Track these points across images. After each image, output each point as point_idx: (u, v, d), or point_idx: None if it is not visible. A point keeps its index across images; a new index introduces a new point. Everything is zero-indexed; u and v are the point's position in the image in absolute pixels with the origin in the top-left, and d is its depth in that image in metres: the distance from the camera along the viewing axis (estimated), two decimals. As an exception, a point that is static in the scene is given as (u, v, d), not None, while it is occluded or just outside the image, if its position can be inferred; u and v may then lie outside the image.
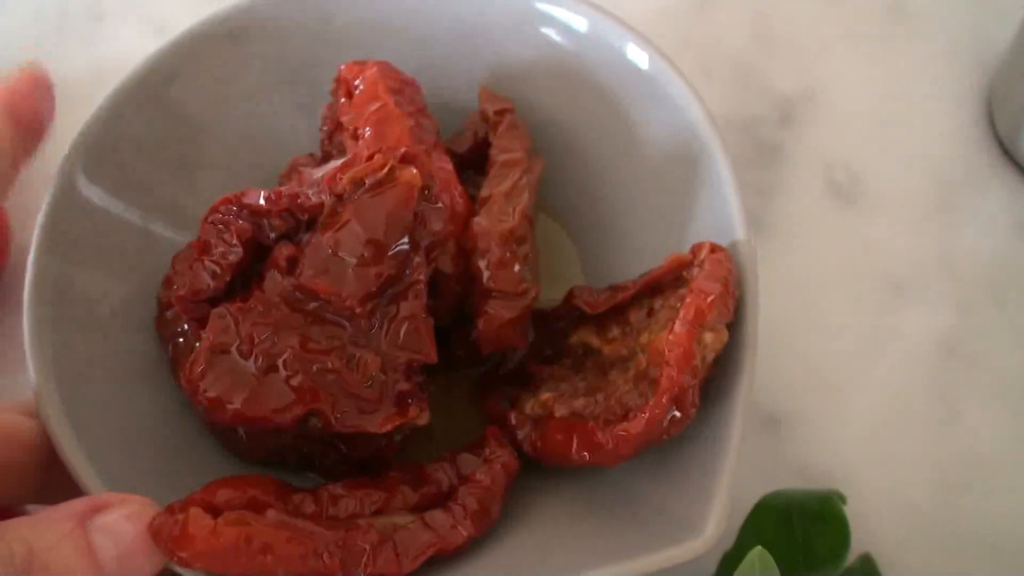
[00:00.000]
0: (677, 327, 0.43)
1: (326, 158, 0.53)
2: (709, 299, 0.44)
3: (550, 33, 0.54)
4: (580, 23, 0.53)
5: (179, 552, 0.40)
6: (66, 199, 0.49)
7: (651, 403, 0.42)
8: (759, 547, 0.42)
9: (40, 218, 0.48)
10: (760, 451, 0.55)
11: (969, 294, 0.59)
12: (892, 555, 0.51)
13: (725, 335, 0.44)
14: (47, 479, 0.45)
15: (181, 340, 0.50)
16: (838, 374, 0.57)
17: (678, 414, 0.43)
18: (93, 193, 0.50)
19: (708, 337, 0.44)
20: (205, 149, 0.55)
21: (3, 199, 0.49)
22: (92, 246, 0.50)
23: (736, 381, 0.44)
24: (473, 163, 0.53)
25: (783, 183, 0.63)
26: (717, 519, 0.41)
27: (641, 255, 0.52)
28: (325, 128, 0.53)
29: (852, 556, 0.49)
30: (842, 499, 0.48)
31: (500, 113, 0.54)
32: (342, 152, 0.52)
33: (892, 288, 0.59)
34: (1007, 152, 0.62)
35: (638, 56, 0.52)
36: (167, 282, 0.51)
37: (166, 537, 0.40)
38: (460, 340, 0.50)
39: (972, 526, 0.53)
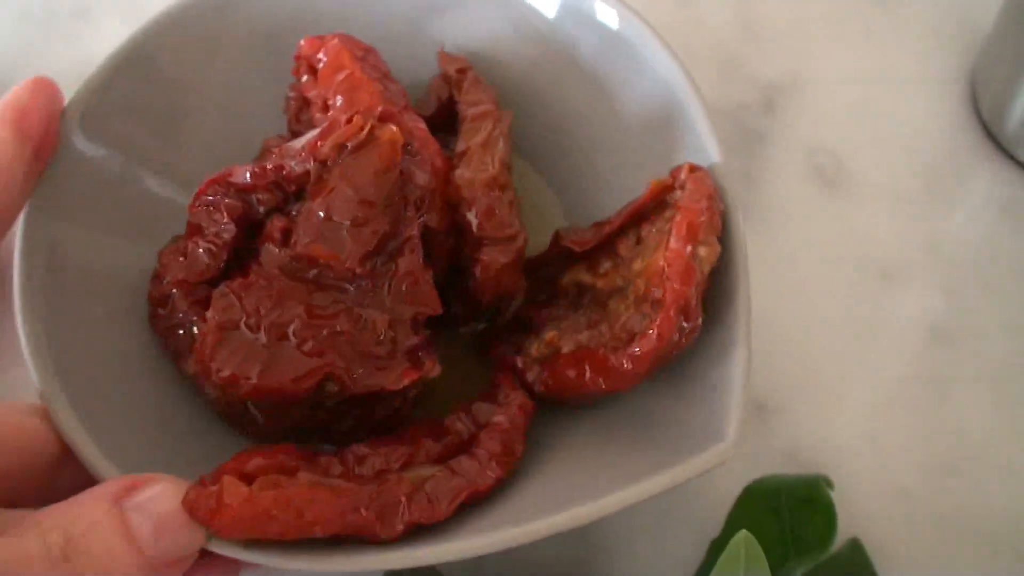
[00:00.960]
0: (672, 243, 0.44)
1: (295, 137, 0.53)
2: (699, 214, 0.45)
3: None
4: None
5: (217, 521, 0.40)
6: (62, 157, 0.50)
7: (659, 318, 0.43)
8: (744, 531, 0.42)
9: None
10: (747, 437, 0.53)
11: (956, 278, 0.59)
12: (881, 539, 0.51)
13: (718, 247, 0.45)
14: (54, 483, 0.44)
15: (180, 332, 0.50)
16: (825, 360, 0.57)
17: (686, 325, 0.44)
18: (88, 151, 0.51)
19: (702, 251, 0.45)
20: (193, 113, 0.56)
21: (10, 225, 0.48)
22: (86, 205, 0.51)
23: (734, 289, 0.46)
24: (441, 125, 0.54)
25: (767, 170, 0.62)
26: (737, 422, 0.43)
27: (619, 194, 0.52)
28: (291, 107, 0.54)
29: (840, 541, 0.49)
30: (830, 484, 0.49)
31: (461, 71, 0.54)
32: (312, 128, 0.52)
33: (878, 273, 0.59)
34: (991, 135, 0.62)
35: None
36: (156, 277, 0.51)
37: (202, 508, 0.41)
38: (456, 296, 0.50)
39: (961, 510, 0.53)
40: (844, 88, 0.65)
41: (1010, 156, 0.62)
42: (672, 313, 0.43)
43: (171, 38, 0.54)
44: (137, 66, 0.53)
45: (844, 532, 0.49)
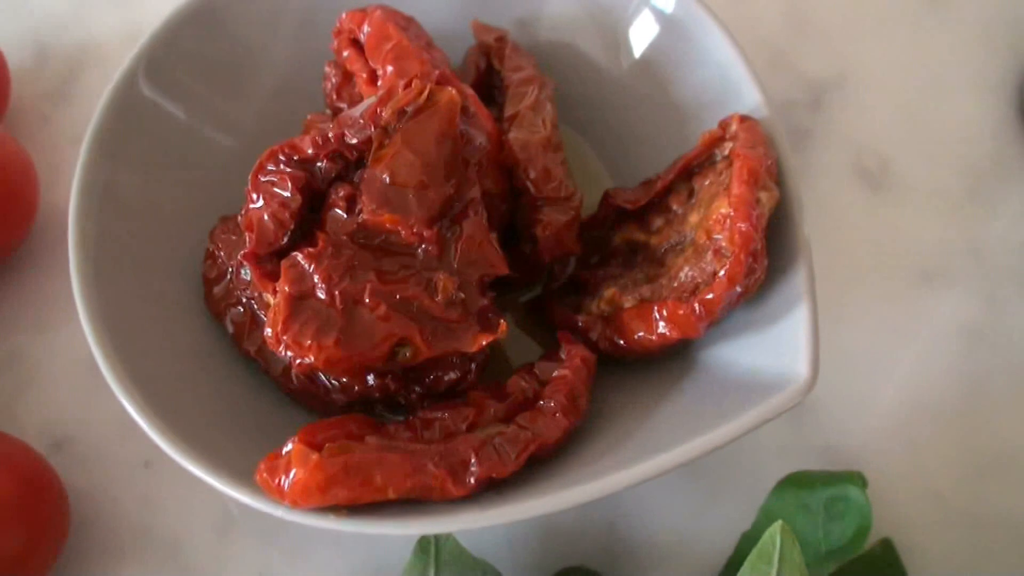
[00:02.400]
0: (736, 188, 0.45)
1: (336, 114, 0.53)
2: (757, 159, 0.45)
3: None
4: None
5: (289, 492, 0.41)
6: (125, 99, 0.51)
7: (730, 261, 0.44)
8: (780, 521, 0.42)
9: (95, 119, 0.50)
10: (783, 432, 0.55)
11: (996, 283, 0.58)
12: (913, 540, 0.52)
13: (777, 192, 0.46)
14: None
15: (240, 310, 0.50)
16: (863, 358, 0.57)
17: (755, 268, 0.44)
18: (150, 95, 0.52)
19: (763, 195, 0.45)
20: (255, 70, 0.57)
21: None
22: (145, 149, 0.52)
23: (793, 234, 0.46)
24: (480, 95, 0.54)
25: (812, 168, 0.62)
26: (810, 361, 0.43)
27: (662, 155, 0.53)
28: (331, 84, 0.54)
29: (873, 539, 0.50)
30: (864, 482, 0.49)
31: (500, 40, 0.55)
32: (356, 103, 0.52)
33: (919, 275, 0.59)
34: None
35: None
36: (209, 257, 0.51)
37: (275, 480, 0.41)
38: (512, 260, 0.50)
39: (994, 513, 0.53)
40: (892, 87, 0.64)
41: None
42: (743, 256, 0.44)
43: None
44: (203, 21, 0.54)
45: (876, 531, 0.50)
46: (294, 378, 0.48)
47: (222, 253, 0.51)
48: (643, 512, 0.52)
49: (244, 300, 0.50)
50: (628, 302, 0.48)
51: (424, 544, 0.47)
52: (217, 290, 0.51)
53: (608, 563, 0.50)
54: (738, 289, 0.44)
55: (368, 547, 0.52)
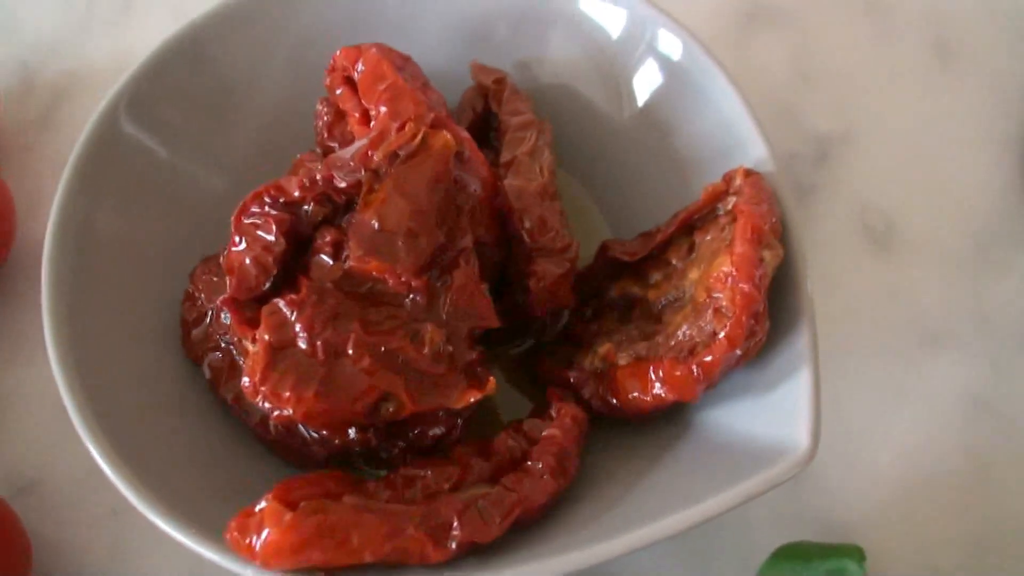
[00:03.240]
0: (739, 247, 0.43)
1: (327, 153, 0.52)
2: (761, 216, 0.44)
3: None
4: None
5: (261, 550, 0.39)
6: (105, 135, 0.50)
7: (731, 323, 0.42)
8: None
9: (74, 154, 0.49)
10: (778, 499, 0.52)
11: (1003, 349, 0.56)
12: None
13: (781, 251, 0.44)
14: None
15: (219, 355, 0.48)
16: (864, 423, 0.55)
17: (756, 330, 0.42)
18: (132, 131, 0.51)
19: (767, 254, 0.44)
20: (240, 107, 0.56)
21: None
22: (123, 188, 0.50)
23: (797, 295, 0.44)
24: (476, 137, 0.52)
25: (816, 224, 0.60)
26: (811, 431, 0.41)
27: (662, 205, 0.51)
28: (323, 122, 0.52)
29: None
30: (862, 556, 0.47)
31: (499, 82, 0.53)
32: (348, 143, 0.51)
33: (923, 338, 0.57)
34: None
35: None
36: (188, 299, 0.50)
37: (246, 539, 0.39)
38: (503, 311, 0.49)
39: None
40: (899, 144, 0.63)
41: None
42: (744, 318, 0.42)
43: (226, 32, 0.54)
44: (190, 55, 0.53)
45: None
46: (272, 428, 0.46)
47: (202, 295, 0.49)
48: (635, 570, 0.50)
49: (223, 345, 0.48)
50: (623, 359, 0.46)
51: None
52: (196, 333, 0.49)
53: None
54: (738, 352, 0.42)
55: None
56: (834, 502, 0.52)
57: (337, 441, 0.45)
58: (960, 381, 0.55)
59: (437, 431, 0.45)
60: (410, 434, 0.45)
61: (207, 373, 0.48)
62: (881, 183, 0.61)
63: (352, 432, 0.45)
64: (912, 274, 0.58)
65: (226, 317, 0.48)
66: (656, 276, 0.49)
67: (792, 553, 0.47)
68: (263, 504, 0.40)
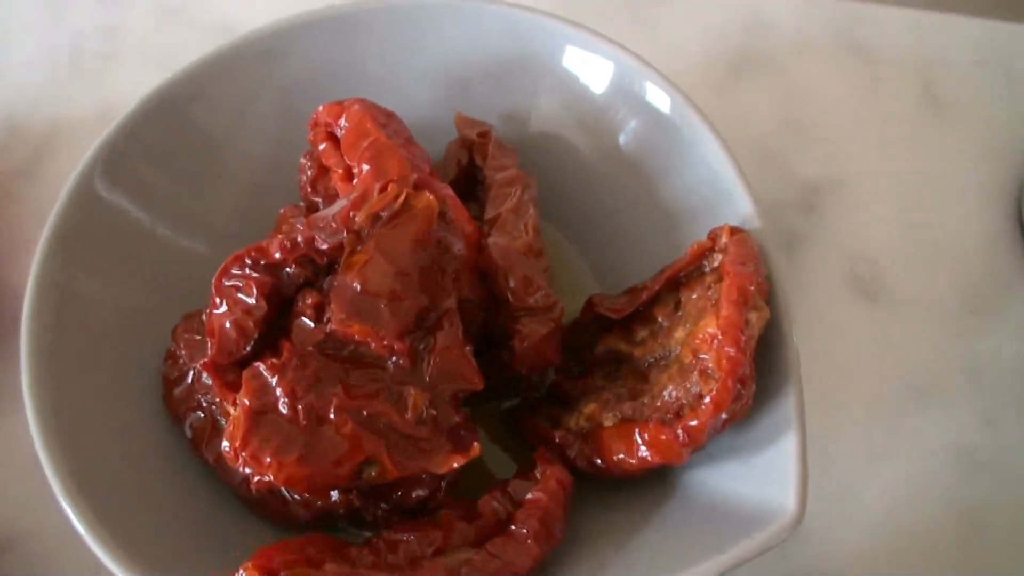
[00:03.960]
0: (725, 310, 0.43)
1: (311, 208, 0.51)
2: (747, 277, 0.43)
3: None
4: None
5: None
6: (82, 199, 0.49)
7: (717, 387, 0.41)
8: None
9: (51, 217, 0.48)
10: (768, 558, 0.48)
11: (994, 403, 0.56)
12: None
13: (767, 312, 0.44)
14: None
15: (200, 415, 0.48)
16: (852, 476, 0.54)
17: (743, 393, 0.42)
18: (108, 195, 0.50)
19: (753, 316, 0.43)
20: (219, 165, 0.55)
21: None
22: (102, 250, 0.50)
23: (783, 355, 0.44)
24: (461, 190, 0.52)
25: (804, 273, 0.60)
26: (798, 495, 0.41)
27: (648, 258, 0.51)
28: (306, 176, 0.52)
29: None
30: None
31: (483, 135, 0.53)
32: (331, 198, 0.50)
33: (912, 391, 0.56)
34: None
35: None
36: (170, 357, 0.49)
37: None
38: (488, 369, 0.48)
39: None
40: (888, 194, 0.62)
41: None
42: (730, 382, 0.41)
43: (205, 88, 0.53)
44: (167, 115, 0.52)
45: None
46: (253, 490, 0.46)
47: (184, 353, 0.49)
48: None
49: (205, 404, 0.48)
50: (608, 420, 0.46)
51: None
52: (177, 392, 0.48)
53: None
54: (724, 416, 0.42)
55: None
56: (823, 557, 0.52)
57: (319, 503, 0.45)
58: (949, 434, 0.55)
59: (421, 493, 0.45)
60: (393, 496, 0.45)
61: (188, 433, 0.48)
62: (869, 232, 0.61)
63: (334, 495, 0.44)
64: (901, 326, 0.58)
65: (207, 377, 0.47)
66: (642, 333, 0.49)
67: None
68: (242, 573, 0.39)
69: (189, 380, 0.48)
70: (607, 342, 0.50)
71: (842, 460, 0.54)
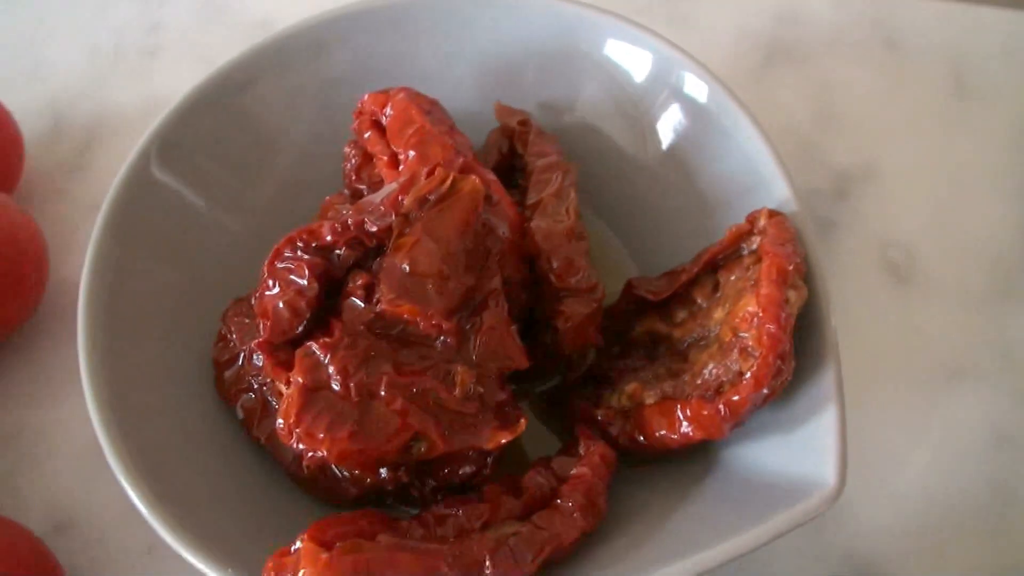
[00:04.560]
0: (764, 288, 0.44)
1: (355, 195, 0.53)
2: (786, 257, 0.44)
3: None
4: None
5: None
6: (137, 182, 0.51)
7: (758, 363, 0.42)
8: None
9: (108, 200, 0.50)
10: (804, 536, 0.52)
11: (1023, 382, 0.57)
12: None
13: (806, 291, 0.45)
14: None
15: (251, 396, 0.49)
16: (889, 458, 0.55)
17: (783, 369, 0.43)
18: (163, 178, 0.52)
19: (792, 295, 0.44)
20: (267, 153, 0.57)
21: None
22: (155, 232, 0.51)
23: (822, 333, 0.45)
24: (502, 178, 0.53)
25: (837, 259, 0.61)
26: (838, 468, 0.42)
27: (686, 242, 0.52)
28: (351, 164, 0.53)
29: None
30: None
31: (523, 123, 0.54)
32: (376, 185, 0.52)
33: (946, 373, 0.57)
34: None
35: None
36: (220, 340, 0.50)
37: (282, 573, 0.39)
38: (531, 350, 0.49)
39: None
40: (918, 181, 0.63)
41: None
42: (771, 358, 0.42)
43: (255, 77, 0.55)
44: (218, 102, 0.54)
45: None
46: (305, 468, 0.47)
47: (234, 336, 0.50)
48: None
49: (256, 386, 0.49)
50: (650, 398, 0.47)
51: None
52: (228, 374, 0.50)
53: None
54: (765, 391, 0.43)
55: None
56: (858, 535, 0.53)
57: (369, 480, 0.46)
58: (982, 415, 0.56)
59: (468, 469, 0.46)
60: (441, 473, 0.46)
61: (240, 414, 0.49)
62: (901, 218, 0.62)
63: (384, 471, 0.45)
64: (933, 309, 0.59)
65: (258, 359, 0.48)
66: (681, 314, 0.50)
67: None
68: (298, 544, 0.40)
69: (240, 363, 0.50)
70: (646, 324, 0.51)
71: (876, 440, 0.55)
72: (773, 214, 0.47)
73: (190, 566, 0.43)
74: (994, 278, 0.60)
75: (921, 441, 0.55)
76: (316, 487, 0.48)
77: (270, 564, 0.40)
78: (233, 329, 0.50)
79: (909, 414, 0.56)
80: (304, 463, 0.46)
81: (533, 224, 0.48)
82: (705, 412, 0.44)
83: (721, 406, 0.43)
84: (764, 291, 0.44)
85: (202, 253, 0.53)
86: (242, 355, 0.50)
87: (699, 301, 0.49)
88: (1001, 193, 0.62)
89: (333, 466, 0.46)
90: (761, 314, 0.43)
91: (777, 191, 0.49)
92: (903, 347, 0.58)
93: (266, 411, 0.49)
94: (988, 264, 0.60)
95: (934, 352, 0.57)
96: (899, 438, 0.55)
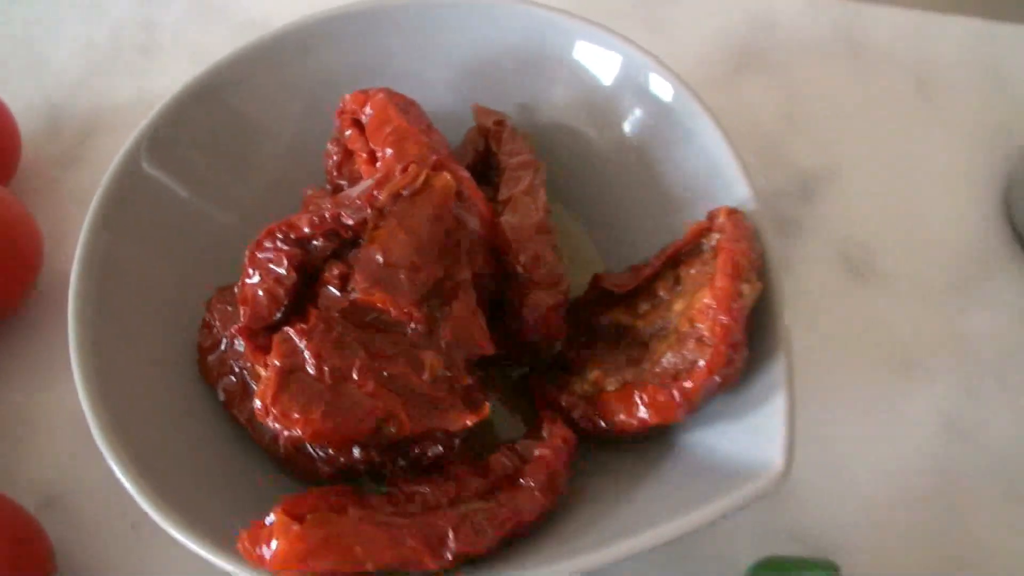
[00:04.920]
0: (719, 281, 0.46)
1: (336, 190, 0.55)
2: (741, 253, 0.47)
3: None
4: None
5: (270, 562, 0.42)
6: (128, 175, 0.53)
7: (711, 352, 0.45)
8: None
9: (99, 192, 0.52)
10: (761, 517, 0.55)
11: (977, 377, 0.59)
12: None
13: (760, 285, 0.47)
14: None
15: (233, 379, 0.51)
16: (843, 446, 0.57)
17: (735, 359, 0.45)
18: (153, 172, 0.54)
19: (746, 288, 0.47)
20: (253, 148, 0.59)
21: None
22: (145, 225, 0.54)
23: (775, 326, 0.47)
24: (476, 176, 0.55)
25: (799, 255, 0.63)
26: (785, 451, 0.44)
27: (652, 237, 0.54)
28: (332, 161, 0.55)
29: None
30: (836, 570, 0.49)
31: (499, 123, 0.56)
32: (355, 180, 0.54)
33: (899, 365, 0.59)
34: (1021, 241, 0.63)
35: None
36: (204, 327, 0.53)
37: (256, 549, 0.42)
38: (499, 339, 0.51)
39: None
40: (880, 179, 0.66)
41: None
42: (723, 348, 0.45)
43: (244, 76, 0.57)
44: (208, 99, 0.56)
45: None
46: (282, 447, 0.49)
47: (218, 323, 0.52)
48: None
49: (237, 369, 0.51)
50: (611, 385, 0.49)
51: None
52: (211, 359, 0.52)
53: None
54: (717, 379, 0.45)
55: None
56: (813, 520, 0.55)
57: (342, 459, 0.48)
58: (934, 406, 0.58)
59: (436, 450, 0.48)
60: (411, 452, 0.48)
61: (221, 396, 0.52)
62: (862, 218, 0.64)
63: (356, 451, 0.48)
64: (891, 304, 0.61)
65: (240, 344, 0.51)
66: (644, 306, 0.52)
67: (769, 566, 0.49)
68: (272, 517, 0.43)
69: (222, 348, 0.52)
70: (611, 315, 0.53)
71: (833, 430, 0.57)
72: (731, 212, 0.49)
73: (172, 541, 0.45)
74: (949, 275, 0.62)
75: (876, 431, 0.57)
76: (293, 465, 0.50)
77: (245, 535, 0.43)
78: (216, 316, 0.52)
79: (865, 404, 0.58)
80: (281, 443, 0.49)
81: (503, 219, 0.50)
82: (661, 398, 0.46)
83: (676, 392, 0.46)
84: (719, 284, 0.46)
85: (190, 244, 0.56)
86: (224, 340, 0.52)
87: (661, 294, 0.52)
88: (959, 195, 0.65)
89: (308, 445, 0.49)
90: (715, 306, 0.46)
91: (738, 191, 0.51)
92: (860, 340, 0.60)
93: (246, 393, 0.51)
94: (944, 262, 0.63)
95: (890, 345, 0.60)
96: (855, 428, 0.58)
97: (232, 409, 0.51)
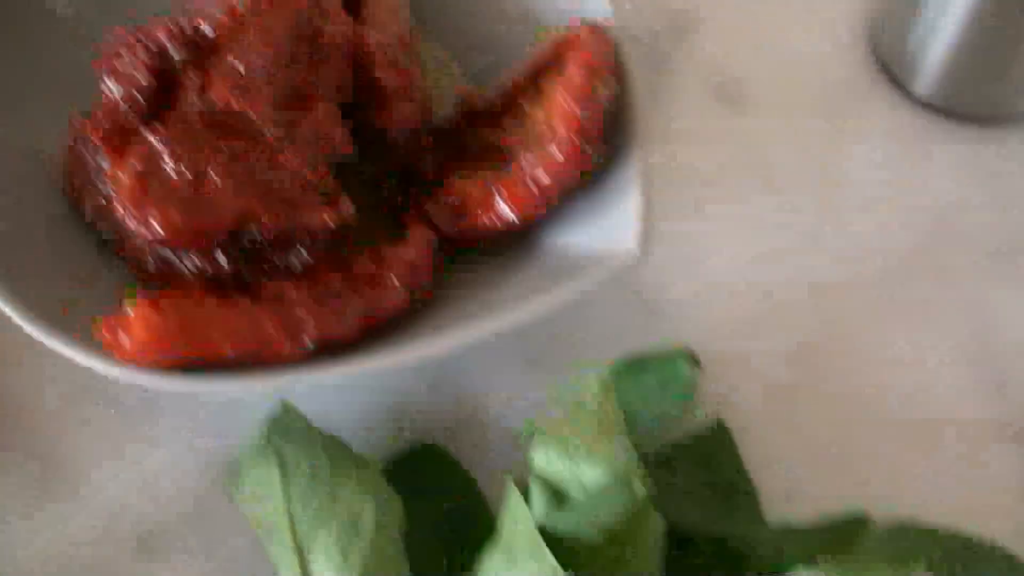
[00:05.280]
0: (574, 77, 0.47)
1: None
2: (598, 53, 0.48)
3: None
4: None
5: (129, 344, 0.43)
6: None
7: (566, 144, 0.46)
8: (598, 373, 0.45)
9: None
10: (631, 331, 0.56)
11: (840, 195, 0.61)
12: (750, 427, 0.52)
13: (614, 85, 0.49)
14: None
15: (101, 200, 0.51)
16: (713, 259, 0.59)
17: (588, 149, 0.47)
18: None
19: (598, 86, 0.48)
20: None
21: None
22: None
23: (631, 129, 0.49)
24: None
25: (673, 90, 0.64)
26: (637, 233, 0.46)
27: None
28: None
29: (707, 423, 0.52)
30: (694, 359, 0.51)
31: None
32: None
33: (766, 184, 0.61)
34: (886, 68, 0.65)
35: None
36: (70, 151, 0.52)
37: (116, 338, 0.43)
38: (367, 154, 0.52)
39: (828, 398, 0.54)
40: (750, 17, 0.67)
41: (902, 88, 0.64)
42: (575, 139, 0.46)
43: None
44: None
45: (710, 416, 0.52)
46: (150, 264, 0.49)
47: (83, 146, 0.52)
48: (488, 395, 0.54)
49: (101, 188, 0.51)
50: (475, 190, 0.50)
51: (274, 422, 0.47)
52: (77, 180, 0.52)
53: (453, 440, 0.52)
54: (572, 169, 0.46)
55: (217, 430, 0.53)
56: (679, 322, 0.57)
57: (209, 269, 0.49)
58: (797, 220, 0.60)
59: (300, 255, 0.49)
60: (274, 258, 0.49)
61: (88, 215, 0.51)
62: (735, 54, 0.66)
63: (221, 257, 0.48)
64: (762, 132, 0.63)
65: (104, 162, 0.50)
66: (510, 122, 0.53)
67: (630, 365, 0.51)
68: (130, 306, 0.43)
69: (88, 168, 0.52)
70: (480, 134, 0.54)
71: (703, 245, 0.59)
72: (593, 27, 0.50)
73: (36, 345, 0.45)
74: (818, 103, 0.65)
75: (744, 245, 0.59)
76: (160, 279, 0.50)
77: (103, 323, 0.43)
78: (77, 139, 0.52)
79: (733, 217, 0.60)
80: (148, 255, 0.49)
81: (365, 30, 0.51)
82: (519, 191, 0.47)
83: (530, 182, 0.47)
84: (573, 79, 0.47)
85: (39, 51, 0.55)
86: (89, 160, 0.52)
87: (524, 107, 0.53)
88: (825, 30, 0.67)
89: (172, 255, 0.49)
90: (569, 100, 0.47)
91: (601, 15, 0.52)
92: (732, 166, 0.62)
93: (110, 210, 0.51)
94: (813, 91, 0.65)
95: (760, 168, 0.62)
96: (724, 241, 0.60)
97: (97, 226, 0.51)
